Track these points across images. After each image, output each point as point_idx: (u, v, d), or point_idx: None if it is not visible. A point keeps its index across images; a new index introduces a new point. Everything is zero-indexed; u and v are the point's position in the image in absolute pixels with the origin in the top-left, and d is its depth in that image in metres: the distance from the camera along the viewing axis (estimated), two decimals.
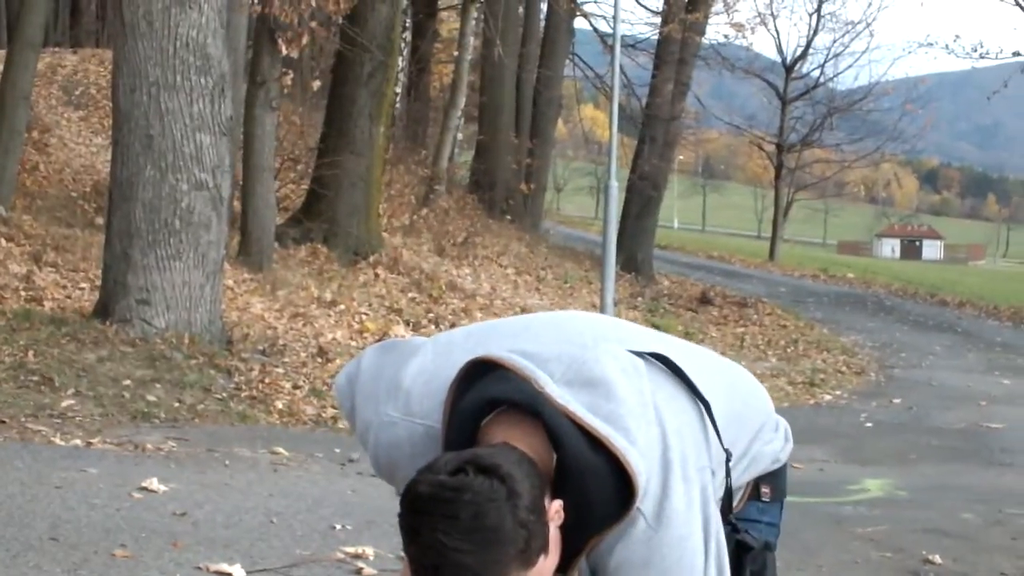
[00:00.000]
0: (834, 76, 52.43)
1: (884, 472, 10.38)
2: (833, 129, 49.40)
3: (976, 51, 33.69)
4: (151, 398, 9.47)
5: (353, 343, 12.97)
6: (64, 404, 8.93)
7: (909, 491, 9.48)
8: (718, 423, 2.62)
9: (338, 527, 6.53)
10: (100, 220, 14.97)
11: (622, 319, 2.96)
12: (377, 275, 17.94)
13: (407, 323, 14.99)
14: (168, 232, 10.86)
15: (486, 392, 2.47)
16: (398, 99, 26.72)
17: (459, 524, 2.24)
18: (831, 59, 50.42)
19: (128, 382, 9.68)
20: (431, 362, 2.67)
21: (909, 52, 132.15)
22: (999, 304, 30.71)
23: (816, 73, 50.70)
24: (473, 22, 28.13)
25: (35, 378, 9.37)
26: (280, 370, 11.02)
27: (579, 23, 33.91)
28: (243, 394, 10.14)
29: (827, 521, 8.05)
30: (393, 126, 23.90)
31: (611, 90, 21.43)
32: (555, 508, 2.38)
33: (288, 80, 17.29)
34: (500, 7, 27.74)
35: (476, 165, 31.27)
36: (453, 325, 14.56)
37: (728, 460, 2.64)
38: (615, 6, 20.49)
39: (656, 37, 31.46)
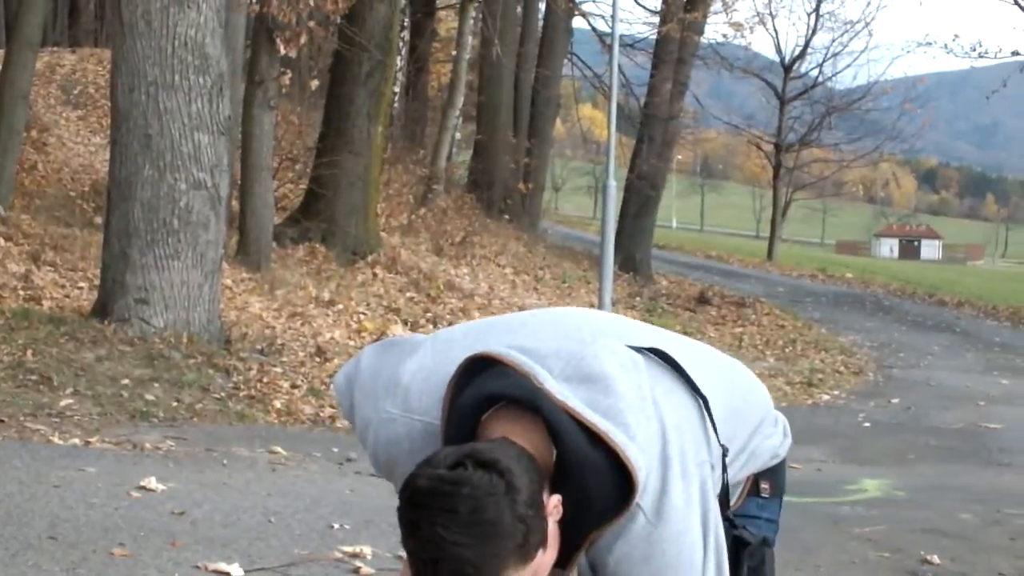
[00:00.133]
0: (833, 75, 52.47)
1: (882, 472, 10.38)
2: (831, 128, 49.41)
3: (975, 50, 33.66)
4: (149, 397, 9.47)
5: (351, 342, 12.98)
6: (63, 403, 8.93)
7: (907, 491, 9.49)
8: (716, 418, 2.63)
9: (336, 526, 6.53)
10: (99, 219, 14.97)
11: (620, 315, 2.95)
12: (375, 274, 17.95)
13: (405, 323, 14.99)
14: (166, 231, 10.86)
15: (485, 388, 2.47)
16: (396, 98, 26.71)
17: (458, 518, 2.25)
18: (829, 58, 50.45)
19: (126, 381, 9.68)
20: (430, 359, 2.68)
21: (908, 51, 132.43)
22: (997, 304, 30.71)
23: (815, 72, 50.73)
24: (471, 21, 28.14)
25: (34, 377, 9.37)
26: (278, 369, 11.03)
27: (577, 22, 33.91)
28: (241, 393, 10.14)
29: (825, 521, 8.05)
30: (391, 125, 23.90)
31: (609, 89, 21.44)
32: (554, 503, 2.38)
33: (286, 79, 17.29)
34: (498, 6, 27.75)
35: (474, 165, 31.27)
36: (451, 324, 14.55)
37: (724, 456, 2.64)
38: (613, 5, 20.49)
39: (654, 36, 31.47)
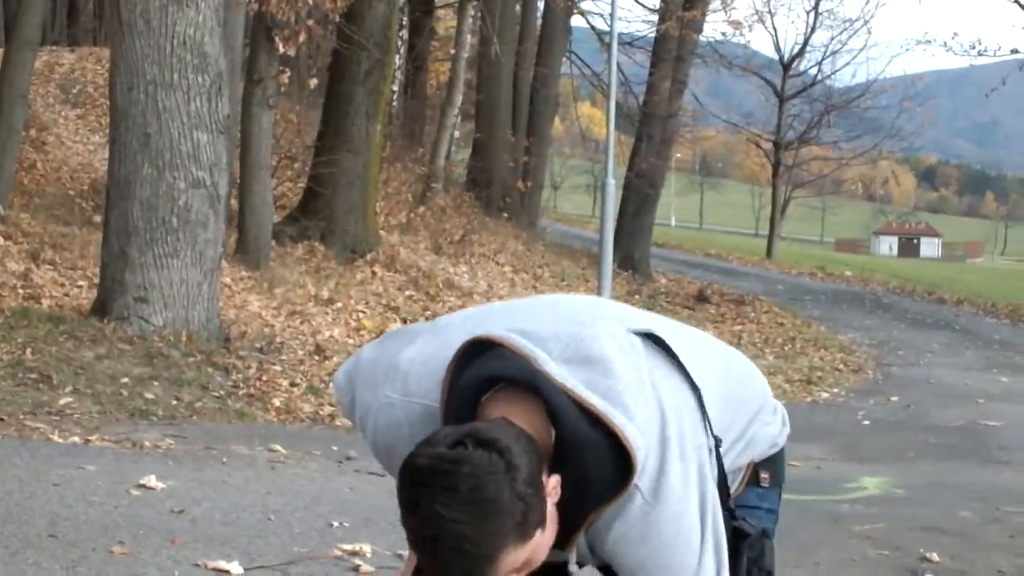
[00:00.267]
0: (832, 73, 52.43)
1: (881, 470, 10.39)
2: (831, 126, 49.43)
3: (974, 48, 33.70)
4: (149, 396, 9.47)
5: (350, 341, 12.98)
6: (62, 402, 8.93)
7: (907, 489, 9.49)
8: (713, 403, 2.63)
9: (335, 524, 6.54)
10: (98, 218, 14.97)
11: (620, 302, 2.96)
12: (374, 273, 17.95)
13: (404, 321, 14.99)
14: (166, 230, 10.86)
15: (484, 370, 2.47)
16: (395, 97, 26.72)
17: (457, 496, 2.26)
18: (828, 56, 50.47)
19: (126, 380, 9.68)
20: (429, 344, 2.68)
21: (907, 49, 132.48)
22: (997, 302, 30.72)
23: (814, 70, 50.77)
24: (470, 20, 28.14)
25: (33, 376, 9.37)
26: (277, 368, 11.03)
27: (576, 21, 33.93)
28: (241, 392, 10.14)
29: (824, 519, 8.05)
30: (390, 124, 23.91)
31: (608, 88, 21.46)
32: (553, 483, 2.39)
33: (285, 78, 17.28)
34: (497, 5, 27.75)
35: (473, 163, 31.26)
36: None
37: (718, 447, 2.64)
38: (612, 4, 20.51)
39: (653, 35, 31.47)
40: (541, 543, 2.38)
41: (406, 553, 5.75)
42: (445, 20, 37.81)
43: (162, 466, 7.47)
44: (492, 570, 2.30)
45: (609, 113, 20.57)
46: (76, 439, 8.06)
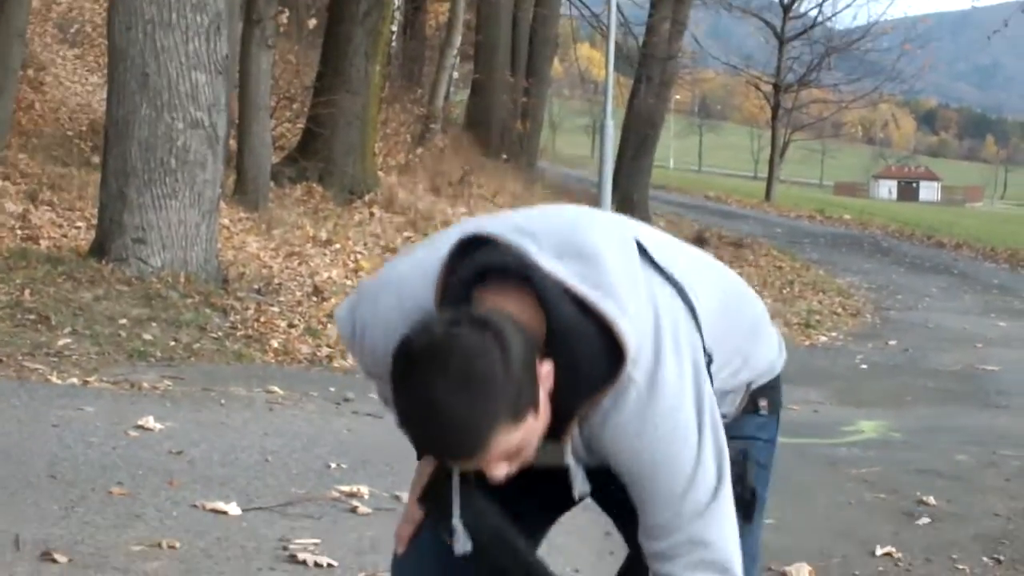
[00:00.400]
0: (832, 15, 52.68)
1: (879, 414, 10.41)
2: (831, 69, 49.33)
3: None
4: (147, 337, 9.47)
5: (348, 282, 12.98)
6: (61, 343, 8.93)
7: (904, 433, 9.51)
8: (708, 317, 2.60)
9: (333, 466, 6.55)
10: (96, 159, 14.93)
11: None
12: (372, 214, 17.94)
13: None
14: (164, 171, 10.83)
15: (476, 262, 2.46)
16: (394, 38, 26.66)
17: (450, 374, 2.25)
18: None
19: (124, 321, 9.68)
20: (424, 252, 2.67)
21: None
22: (996, 246, 30.70)
23: (814, 12, 50.69)
24: None
25: (32, 317, 9.37)
26: (276, 309, 11.03)
27: None
28: (239, 333, 10.14)
29: (822, 462, 8.08)
30: (389, 65, 23.86)
31: (607, 29, 21.40)
32: (545, 370, 2.37)
33: (284, 19, 17.25)
34: None
35: (472, 104, 31.22)
36: None
37: (710, 364, 2.60)
38: None
39: None
40: (534, 429, 2.36)
41: (403, 495, 5.77)
42: None
43: (160, 407, 7.48)
44: (485, 448, 2.29)
45: (608, 54, 20.52)
46: (74, 380, 8.07)
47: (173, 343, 9.49)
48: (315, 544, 5.18)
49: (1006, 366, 13.23)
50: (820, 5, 49.63)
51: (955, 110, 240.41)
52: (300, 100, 21.72)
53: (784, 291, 19.20)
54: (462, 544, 2.64)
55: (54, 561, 4.68)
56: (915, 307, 18.59)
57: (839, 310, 17.74)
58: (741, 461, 2.77)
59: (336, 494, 5.97)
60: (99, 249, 10.94)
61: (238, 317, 10.46)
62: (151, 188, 10.81)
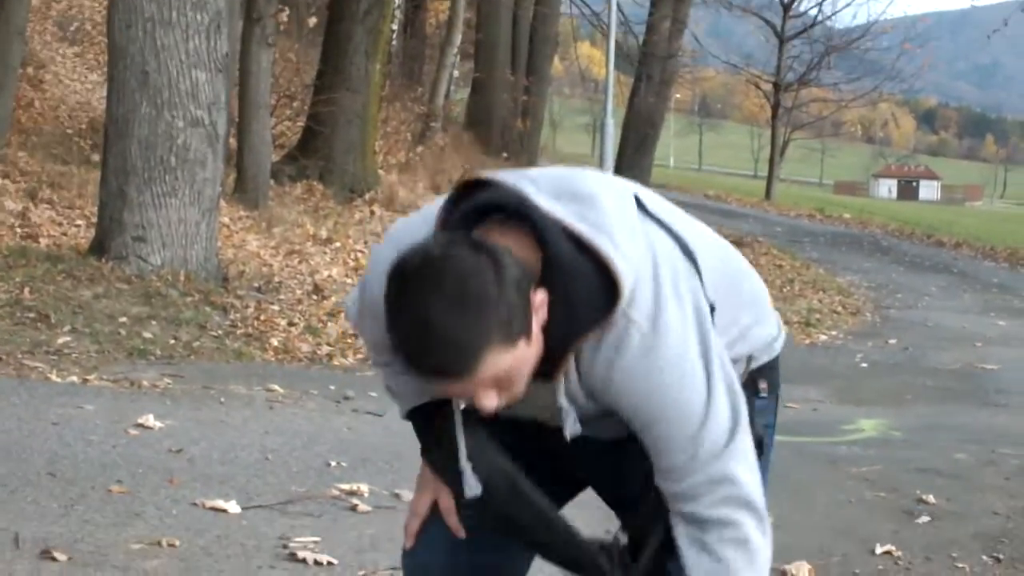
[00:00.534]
0: (832, 14, 52.65)
1: (879, 412, 10.40)
2: (831, 68, 49.27)
3: None
4: (147, 335, 9.47)
5: (348, 280, 12.97)
6: (60, 341, 8.93)
7: (903, 431, 9.51)
8: (708, 272, 2.60)
9: (333, 464, 6.55)
10: (96, 157, 14.93)
11: None
12: (373, 212, 17.94)
13: None
14: (164, 169, 10.83)
15: (476, 200, 2.46)
16: (394, 36, 26.65)
17: (444, 291, 2.24)
18: None
19: (124, 319, 9.68)
20: (425, 207, 2.67)
21: None
22: (995, 245, 30.67)
23: (814, 11, 50.60)
24: None
25: (31, 315, 9.37)
26: (275, 307, 11.03)
27: None
28: (239, 331, 10.14)
29: (821, 461, 8.07)
30: (389, 63, 23.86)
31: (608, 27, 21.40)
32: (540, 299, 2.36)
33: (284, 17, 17.26)
34: None
35: (472, 102, 31.23)
36: None
37: (712, 313, 2.58)
38: None
39: None
40: (525, 357, 2.35)
41: (403, 493, 5.77)
42: None
43: (160, 405, 7.48)
44: (476, 367, 2.28)
45: (609, 53, 20.53)
46: (74, 378, 8.07)
47: (173, 341, 9.49)
48: (315, 542, 5.18)
49: (1005, 365, 13.22)
50: (820, 4, 49.69)
51: (955, 109, 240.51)
52: (300, 98, 21.72)
53: (784, 290, 19.17)
54: (472, 487, 2.63)
55: (54, 559, 4.67)
56: (915, 306, 18.58)
57: (839, 309, 17.73)
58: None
59: (336, 492, 5.97)
60: (99, 247, 10.94)
61: (238, 315, 10.46)
62: (151, 186, 10.81)
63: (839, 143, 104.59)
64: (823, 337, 15.15)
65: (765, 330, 2.80)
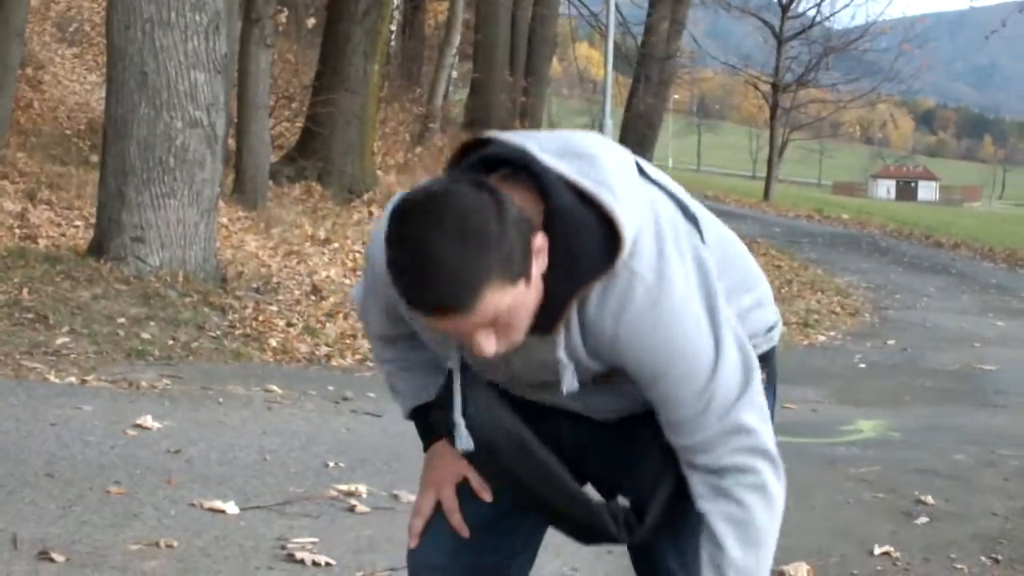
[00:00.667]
0: (830, 15, 52.68)
1: (877, 413, 10.40)
2: (829, 69, 49.25)
3: None
4: (145, 336, 9.47)
5: (347, 281, 12.97)
6: (59, 342, 8.93)
7: (902, 432, 9.51)
8: (708, 236, 2.61)
9: (331, 465, 6.55)
10: (95, 158, 14.94)
11: None
12: (371, 213, 17.94)
13: None
14: (162, 170, 10.83)
15: (478, 155, 2.47)
16: (393, 37, 26.68)
17: (445, 225, 2.24)
18: None
19: (122, 320, 9.68)
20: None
21: None
22: (994, 246, 30.69)
23: (812, 12, 50.58)
24: None
25: (30, 315, 9.37)
26: (274, 308, 11.03)
27: None
28: (237, 332, 10.14)
29: (820, 462, 8.07)
30: (388, 64, 23.87)
31: (606, 28, 21.40)
32: (540, 243, 2.35)
33: (283, 18, 17.26)
34: None
35: (470, 103, 31.21)
36: None
37: None
38: None
39: None
40: (525, 301, 2.34)
41: (401, 493, 5.77)
42: None
43: (158, 406, 7.48)
44: (475, 301, 2.26)
45: (607, 54, 20.53)
46: (72, 379, 8.06)
47: (171, 342, 9.49)
48: (313, 543, 5.17)
49: (1004, 365, 13.23)
50: (818, 5, 49.72)
51: (953, 110, 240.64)
52: (299, 99, 21.73)
53: (783, 290, 19.16)
54: (463, 441, 2.62)
55: (51, 560, 4.67)
56: (913, 306, 18.59)
57: (838, 309, 17.73)
58: None
59: (334, 493, 5.97)
60: (97, 248, 10.94)
61: (236, 316, 10.46)
62: (150, 187, 10.80)
63: (837, 144, 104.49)
64: (821, 338, 15.16)
65: (765, 315, 2.79)
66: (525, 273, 2.32)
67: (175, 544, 4.98)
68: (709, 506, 2.52)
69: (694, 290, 2.46)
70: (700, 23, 45.89)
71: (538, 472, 2.64)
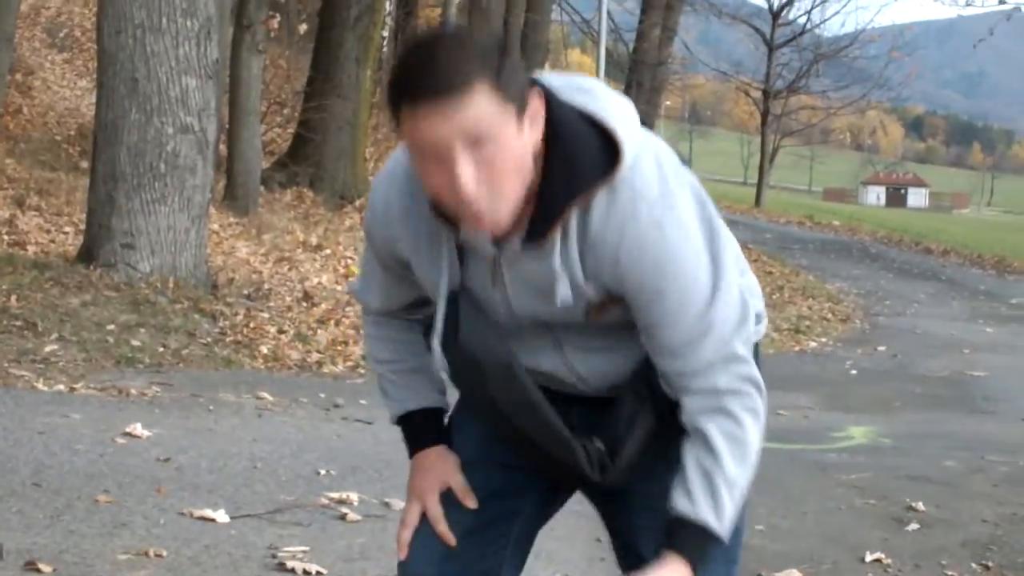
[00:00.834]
0: (821, 23, 52.76)
1: (868, 419, 10.41)
2: (819, 76, 49.45)
3: None
4: (135, 343, 9.44)
5: (338, 287, 12.96)
6: (47, 349, 8.90)
7: (893, 438, 9.52)
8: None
9: (322, 472, 6.53)
10: (84, 164, 14.91)
11: None
12: (363, 219, 17.89)
13: None
14: (153, 176, 10.81)
15: None
16: (385, 43, 26.61)
17: (447, 36, 2.31)
18: (818, 5, 51.06)
19: (112, 327, 9.65)
20: None
21: None
22: (983, 253, 30.80)
23: (803, 19, 50.77)
24: None
25: (18, 323, 9.33)
26: (265, 315, 11.00)
27: None
28: (228, 339, 10.12)
29: (811, 468, 8.07)
30: (380, 70, 23.82)
31: (598, 35, 21.40)
32: (536, 105, 2.37)
33: (275, 23, 17.23)
34: None
35: None
36: None
37: None
38: None
39: None
40: (511, 143, 2.32)
41: (392, 501, 5.76)
42: None
43: (148, 414, 7.46)
44: (463, 88, 2.26)
45: (599, 60, 20.51)
46: (61, 387, 8.04)
47: (162, 349, 9.47)
48: (304, 551, 5.16)
49: (993, 372, 13.26)
50: (808, 12, 49.99)
51: (942, 117, 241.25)
52: (291, 105, 21.72)
53: (774, 297, 19.19)
54: (439, 364, 2.61)
55: (38, 571, 4.64)
56: (904, 313, 18.62)
57: (829, 316, 17.76)
58: None
59: (325, 501, 5.95)
60: (87, 254, 10.91)
61: (227, 323, 10.43)
62: (140, 193, 10.78)
63: (828, 150, 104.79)
64: (813, 344, 15.18)
65: (756, 303, 2.77)
66: (518, 106, 2.32)
67: (164, 553, 4.96)
68: (707, 423, 2.52)
69: (694, 217, 2.48)
70: (692, 30, 45.94)
71: (520, 401, 2.62)
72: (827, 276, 22.93)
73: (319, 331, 10.86)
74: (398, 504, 5.81)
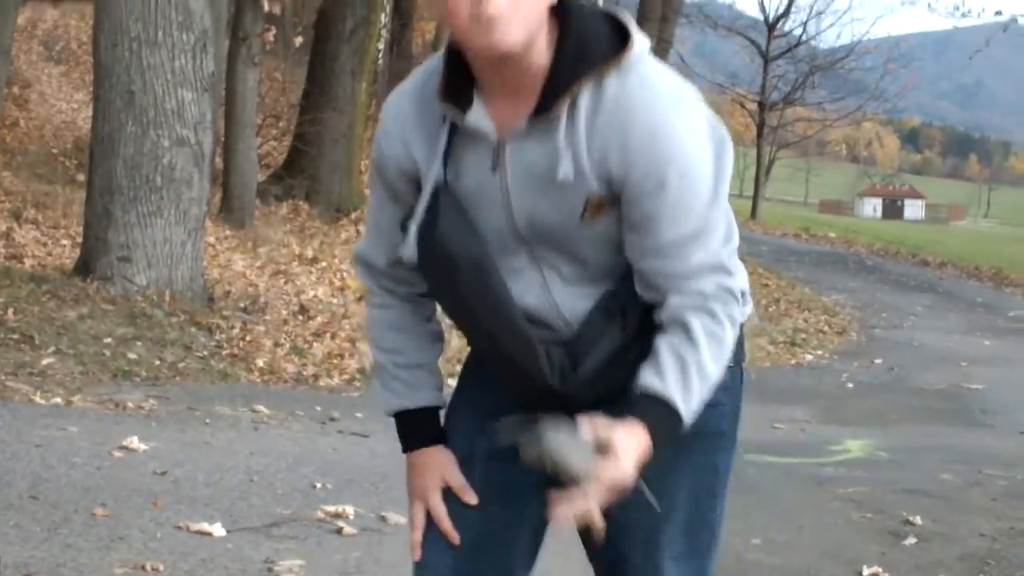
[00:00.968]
0: (816, 34, 52.78)
1: (865, 433, 10.40)
2: (815, 87, 49.48)
3: (958, 10, 33.72)
4: (132, 356, 9.43)
5: (334, 300, 12.95)
6: (44, 362, 8.89)
7: (890, 452, 9.51)
8: None
9: (318, 486, 6.53)
10: (81, 177, 14.91)
11: None
12: (359, 232, 17.91)
13: None
14: (149, 189, 10.80)
15: None
16: (380, 55, 26.65)
17: None
18: (813, 17, 50.67)
19: (109, 340, 9.64)
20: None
21: (891, 11, 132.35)
22: (980, 265, 30.79)
23: (799, 31, 50.76)
24: None
25: (15, 336, 9.32)
26: (261, 328, 10.99)
27: None
28: (224, 352, 10.11)
29: (808, 482, 8.07)
30: (375, 83, 23.85)
31: None
32: None
33: (270, 36, 17.23)
34: None
35: None
36: None
37: None
38: None
39: None
40: None
41: (389, 515, 5.75)
42: None
43: (145, 427, 7.45)
44: None
45: None
46: (58, 400, 8.03)
47: (158, 362, 9.46)
48: (300, 565, 5.16)
49: (990, 385, 13.24)
50: (804, 24, 49.73)
51: (938, 129, 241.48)
52: (286, 118, 21.74)
53: (770, 309, 19.19)
54: (409, 248, 2.61)
55: None
56: (900, 325, 18.62)
57: (825, 328, 17.75)
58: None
59: (321, 515, 5.95)
60: (84, 267, 10.90)
61: (223, 336, 10.42)
62: (136, 206, 10.77)
63: (824, 162, 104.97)
64: (809, 357, 15.17)
65: (739, 275, 2.74)
66: None
67: (161, 567, 4.96)
68: (691, 317, 2.54)
69: (704, 124, 2.52)
70: (687, 42, 46.01)
71: (489, 300, 2.61)
72: (823, 288, 22.93)
73: (315, 344, 10.85)
74: (394, 518, 5.81)
